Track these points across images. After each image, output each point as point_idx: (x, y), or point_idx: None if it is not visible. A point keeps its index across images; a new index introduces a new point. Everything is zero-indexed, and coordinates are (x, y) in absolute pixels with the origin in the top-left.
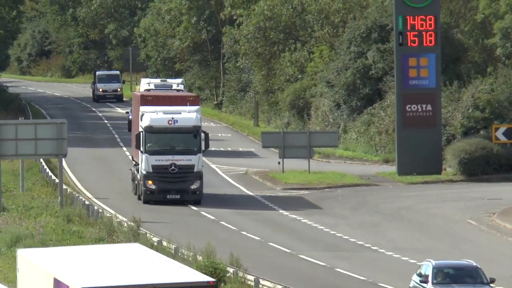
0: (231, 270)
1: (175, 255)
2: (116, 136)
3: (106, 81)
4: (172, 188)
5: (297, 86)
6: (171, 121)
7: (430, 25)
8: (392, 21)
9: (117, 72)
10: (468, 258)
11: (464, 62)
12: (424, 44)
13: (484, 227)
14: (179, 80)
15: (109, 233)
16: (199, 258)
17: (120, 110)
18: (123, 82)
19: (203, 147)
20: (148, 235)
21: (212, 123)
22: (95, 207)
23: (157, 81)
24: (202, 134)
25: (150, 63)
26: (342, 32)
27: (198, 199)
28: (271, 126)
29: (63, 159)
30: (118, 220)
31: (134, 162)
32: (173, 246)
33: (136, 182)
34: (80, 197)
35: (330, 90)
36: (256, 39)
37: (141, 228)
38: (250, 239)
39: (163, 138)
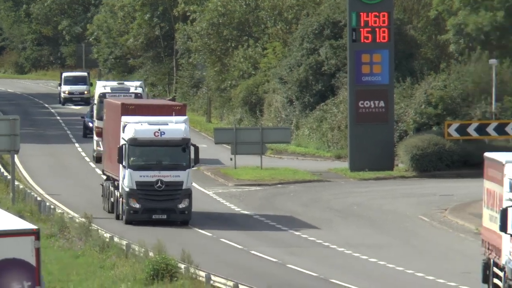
0: (182, 266)
1: (127, 251)
2: (69, 132)
3: (73, 83)
4: (158, 207)
5: (250, 82)
6: (158, 132)
7: (384, 22)
8: (345, 18)
9: (85, 74)
10: (420, 254)
11: (417, 59)
12: (377, 40)
13: (436, 223)
14: (137, 83)
15: (60, 229)
16: (151, 254)
17: (73, 107)
18: (91, 84)
19: (192, 162)
20: (100, 231)
21: None
22: (47, 203)
23: (114, 84)
24: (192, 148)
25: (102, 60)
26: (295, 29)
27: (186, 219)
28: (223, 122)
29: (15, 155)
30: (70, 216)
31: (106, 176)
32: (125, 242)
33: (112, 199)
34: (32, 193)
35: (282, 86)
36: (209, 35)
37: (93, 224)
38: (201, 235)
39: (149, 152)
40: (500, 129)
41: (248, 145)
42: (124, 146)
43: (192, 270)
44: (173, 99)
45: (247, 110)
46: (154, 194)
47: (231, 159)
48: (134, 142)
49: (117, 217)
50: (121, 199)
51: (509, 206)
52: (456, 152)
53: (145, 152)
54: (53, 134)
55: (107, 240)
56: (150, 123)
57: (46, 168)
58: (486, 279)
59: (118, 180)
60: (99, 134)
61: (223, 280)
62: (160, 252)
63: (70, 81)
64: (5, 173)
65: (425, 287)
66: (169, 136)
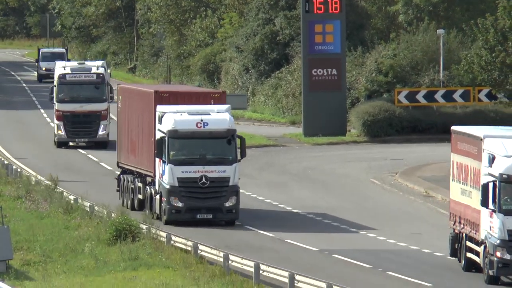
0: (144, 227)
1: (90, 213)
2: (34, 99)
3: (50, 60)
4: (203, 206)
5: (208, 51)
6: (200, 123)
7: None
8: None
9: (63, 50)
10: (371, 216)
11: (368, 29)
12: (330, 11)
13: (386, 186)
14: (99, 63)
15: (27, 191)
16: (113, 215)
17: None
18: (69, 60)
19: (239, 156)
20: (64, 193)
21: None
22: (14, 167)
23: (74, 64)
24: (238, 140)
25: (65, 31)
26: (251, 0)
27: (233, 218)
28: None
29: None
30: (36, 179)
31: (123, 169)
32: (88, 203)
33: (140, 195)
34: (0, 157)
35: (239, 55)
36: (168, 6)
37: (58, 187)
38: None
39: (191, 145)
40: (448, 96)
41: None
42: (163, 139)
43: (153, 231)
44: (134, 68)
45: (205, 78)
46: (198, 192)
47: None
48: (174, 135)
49: (157, 217)
50: (156, 196)
51: (490, 181)
52: (405, 118)
53: (187, 145)
54: (20, 100)
55: (72, 202)
56: (191, 113)
57: (12, 133)
58: (454, 253)
59: (147, 175)
60: (60, 118)
61: (183, 241)
62: (122, 213)
63: (48, 57)
64: None
65: (377, 246)
66: (213, 127)
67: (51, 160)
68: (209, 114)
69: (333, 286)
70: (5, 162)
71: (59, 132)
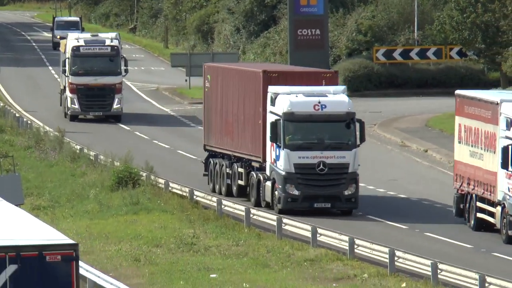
0: (144, 174)
1: (95, 161)
2: (43, 57)
3: (65, 28)
4: (321, 194)
5: (202, 13)
6: (318, 106)
7: None
8: None
9: (77, 19)
10: None
11: None
12: None
13: (366, 136)
14: (113, 34)
15: (37, 142)
16: (117, 163)
17: (46, 34)
18: (83, 29)
19: (358, 141)
20: (71, 143)
21: (127, 46)
22: (25, 119)
23: (87, 36)
24: (357, 123)
25: None
26: None
27: (353, 207)
28: (179, 48)
29: None
30: (45, 130)
31: (213, 152)
32: (93, 153)
33: (249, 182)
34: (12, 111)
35: (231, 16)
36: None
37: (65, 138)
38: (161, 147)
39: (308, 129)
40: (422, 54)
41: (200, 68)
42: (277, 122)
43: (152, 177)
44: (134, 28)
45: (199, 37)
46: (316, 179)
47: (186, 80)
48: (291, 117)
49: (259, 204)
50: (267, 183)
51: (510, 144)
52: (383, 74)
53: (304, 128)
54: (30, 58)
55: (78, 151)
56: (306, 94)
57: (23, 88)
58: (461, 212)
59: (251, 160)
60: (73, 91)
61: (179, 186)
62: (126, 162)
63: (62, 26)
64: None
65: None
66: (331, 109)
67: (59, 112)
68: (326, 96)
69: (318, 229)
70: (17, 114)
71: (73, 105)
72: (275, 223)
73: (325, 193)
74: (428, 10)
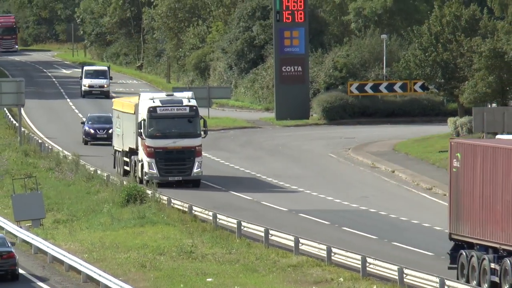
0: (149, 192)
1: (107, 181)
2: (62, 91)
3: (93, 77)
4: None
5: (199, 53)
6: None
7: (300, 6)
8: (271, 3)
9: (105, 68)
10: (329, 183)
11: (326, 34)
12: (296, 20)
13: (341, 159)
14: (189, 94)
15: (57, 164)
16: (125, 183)
17: (64, 71)
18: (111, 78)
19: None
20: (86, 166)
21: (135, 81)
22: (46, 145)
23: (162, 95)
24: None
25: (86, 36)
26: (233, 12)
27: None
28: (179, 82)
29: (21, 108)
30: (64, 154)
31: (465, 242)
32: (105, 174)
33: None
34: (35, 137)
35: (224, 55)
36: (168, 17)
37: (81, 160)
38: None
39: None
40: (390, 88)
41: (198, 100)
42: None
43: (157, 195)
44: (141, 66)
45: (197, 73)
46: None
47: None
48: None
49: None
50: None
51: None
52: (356, 105)
53: None
54: (50, 92)
55: (92, 172)
56: None
57: (45, 118)
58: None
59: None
60: (151, 155)
61: (180, 203)
62: (133, 182)
63: (91, 74)
64: (14, 122)
65: (334, 207)
66: None
67: (76, 139)
68: None
69: (300, 239)
70: (39, 141)
71: (151, 170)
72: (263, 234)
73: None
74: (395, 49)
